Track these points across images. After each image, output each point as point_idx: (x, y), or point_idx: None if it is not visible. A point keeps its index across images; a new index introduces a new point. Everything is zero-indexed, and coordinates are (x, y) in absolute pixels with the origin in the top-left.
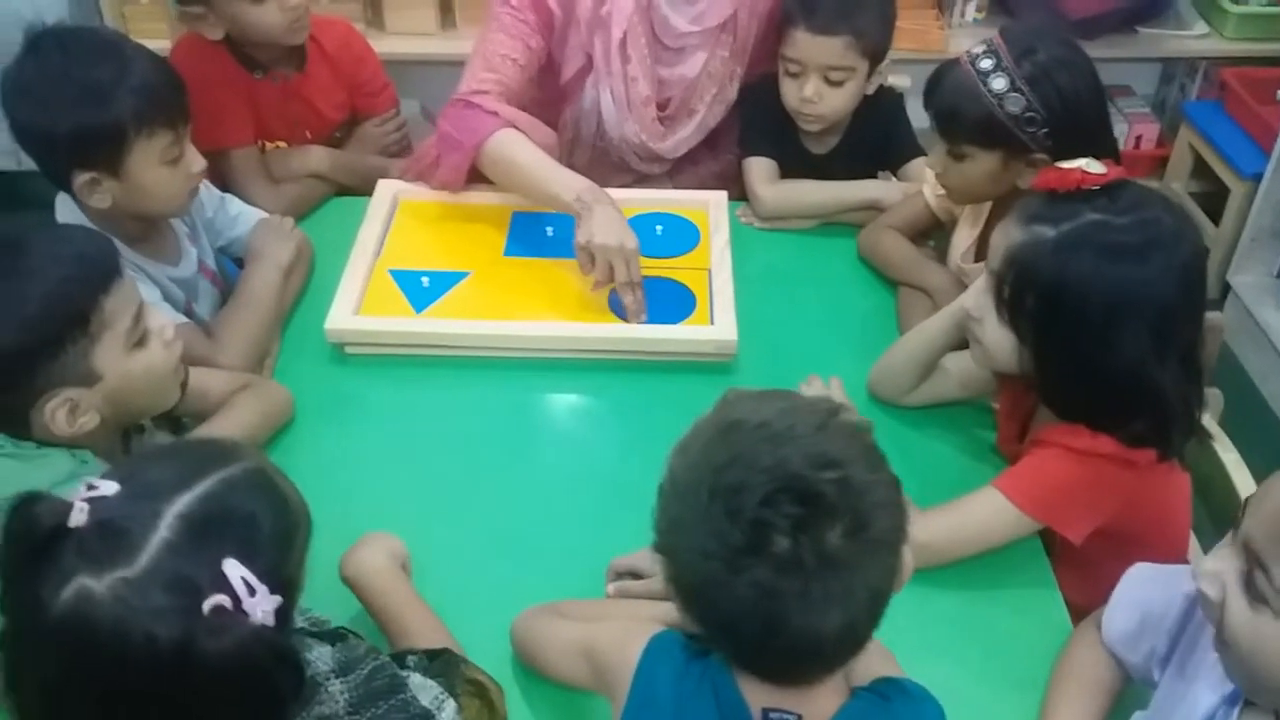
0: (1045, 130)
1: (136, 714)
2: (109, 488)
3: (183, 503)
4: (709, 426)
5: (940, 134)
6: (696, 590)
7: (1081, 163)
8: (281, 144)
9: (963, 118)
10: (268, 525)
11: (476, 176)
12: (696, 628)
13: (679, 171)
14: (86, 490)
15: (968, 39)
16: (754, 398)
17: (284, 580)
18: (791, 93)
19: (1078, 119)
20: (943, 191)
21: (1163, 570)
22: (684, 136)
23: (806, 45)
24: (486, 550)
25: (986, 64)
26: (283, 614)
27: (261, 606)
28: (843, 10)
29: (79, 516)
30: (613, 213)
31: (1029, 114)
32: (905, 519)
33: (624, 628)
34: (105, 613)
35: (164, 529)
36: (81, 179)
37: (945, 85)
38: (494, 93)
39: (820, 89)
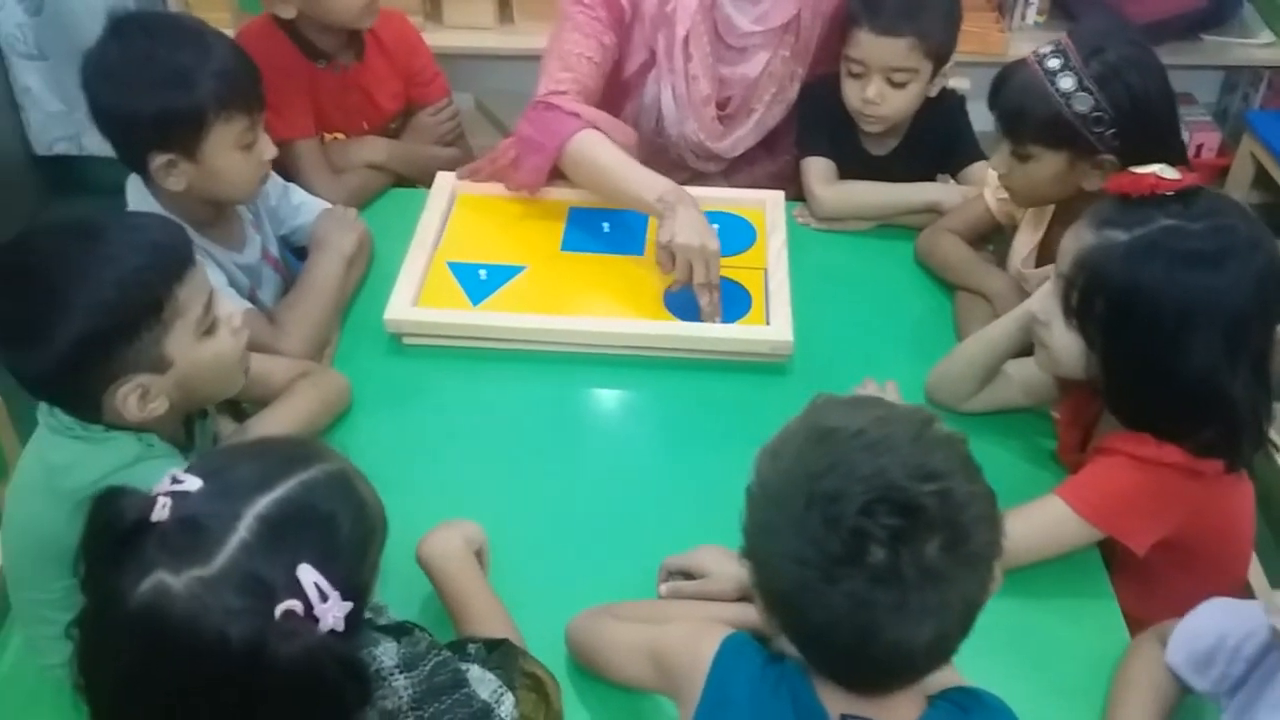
0: (1113, 131)
1: (202, 711)
2: (193, 483)
3: (263, 504)
4: (801, 431)
5: (1005, 134)
6: (788, 597)
7: (1156, 168)
8: (340, 135)
9: (1029, 117)
10: (345, 530)
11: (554, 175)
12: (780, 633)
13: (735, 171)
14: (170, 484)
15: (1028, 42)
16: (847, 405)
17: (357, 586)
18: (854, 94)
19: (1147, 120)
20: (1004, 195)
21: (1240, 603)
22: (741, 136)
23: (870, 46)
24: (538, 543)
25: (1054, 63)
26: (353, 619)
27: (333, 612)
28: (907, 11)
29: (161, 512)
30: (695, 214)
31: (1097, 114)
32: (1001, 533)
33: (694, 629)
34: (180, 609)
35: (243, 529)
36: (159, 161)
37: (1012, 85)
38: (572, 93)
39: (883, 90)
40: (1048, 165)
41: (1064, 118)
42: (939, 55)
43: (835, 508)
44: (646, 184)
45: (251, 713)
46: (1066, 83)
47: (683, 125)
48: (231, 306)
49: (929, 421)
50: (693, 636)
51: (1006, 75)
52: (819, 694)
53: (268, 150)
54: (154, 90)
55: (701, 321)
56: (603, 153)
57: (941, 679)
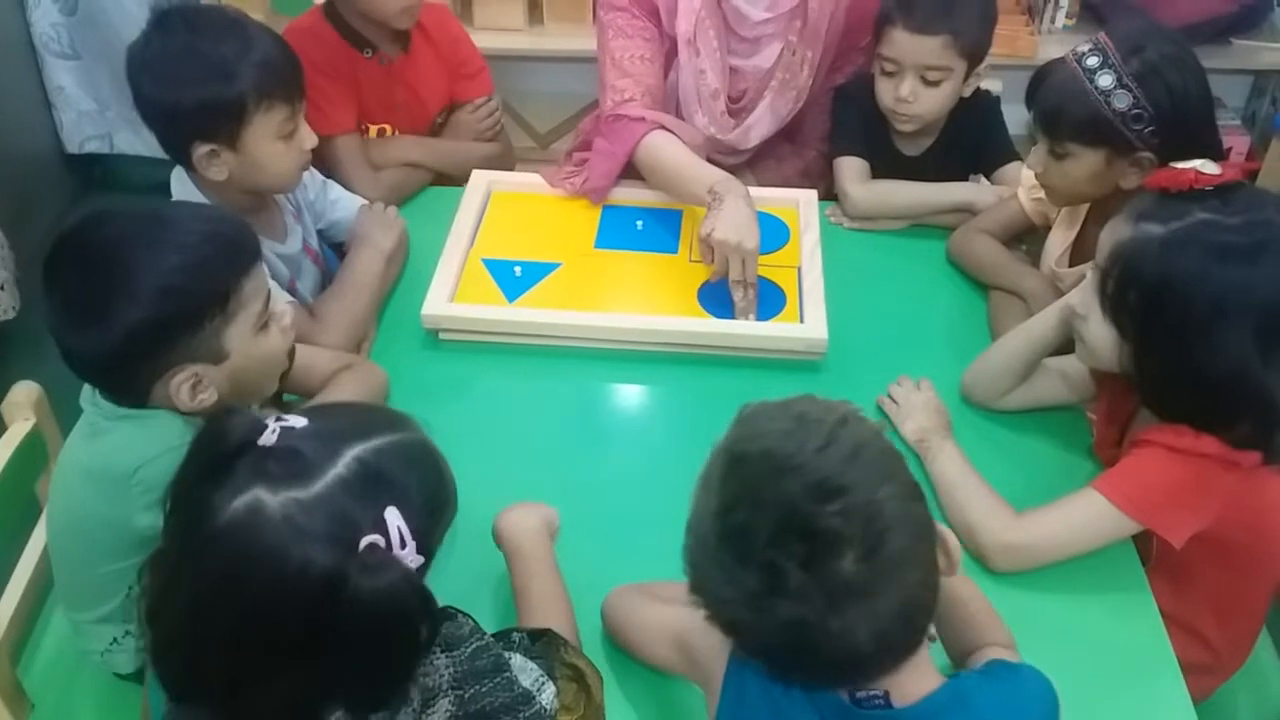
0: (1151, 129)
1: (277, 639)
2: (298, 421)
3: (361, 449)
4: (720, 458)
5: (1043, 132)
6: (729, 628)
7: (1196, 163)
8: (385, 127)
9: (1067, 115)
10: (427, 492)
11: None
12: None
13: (762, 167)
14: (278, 419)
15: (1058, 45)
16: (763, 416)
17: (428, 548)
18: (887, 92)
19: (1186, 117)
20: (1039, 195)
21: None
22: (752, 126)
23: (904, 44)
24: (571, 537)
25: (1093, 61)
26: (421, 575)
27: (409, 559)
28: (942, 9)
29: (270, 437)
30: (742, 207)
31: (1136, 111)
32: (926, 526)
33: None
34: (272, 526)
35: (341, 465)
36: (201, 150)
37: (1050, 83)
38: (635, 96)
39: (916, 89)
40: (1086, 163)
41: (1103, 115)
42: (973, 54)
43: (744, 543)
44: (701, 178)
45: (324, 645)
46: (1105, 80)
47: (693, 119)
48: (283, 304)
49: (842, 421)
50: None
51: (1044, 74)
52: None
53: (308, 140)
54: (195, 82)
55: (735, 319)
56: (667, 153)
57: (984, 654)
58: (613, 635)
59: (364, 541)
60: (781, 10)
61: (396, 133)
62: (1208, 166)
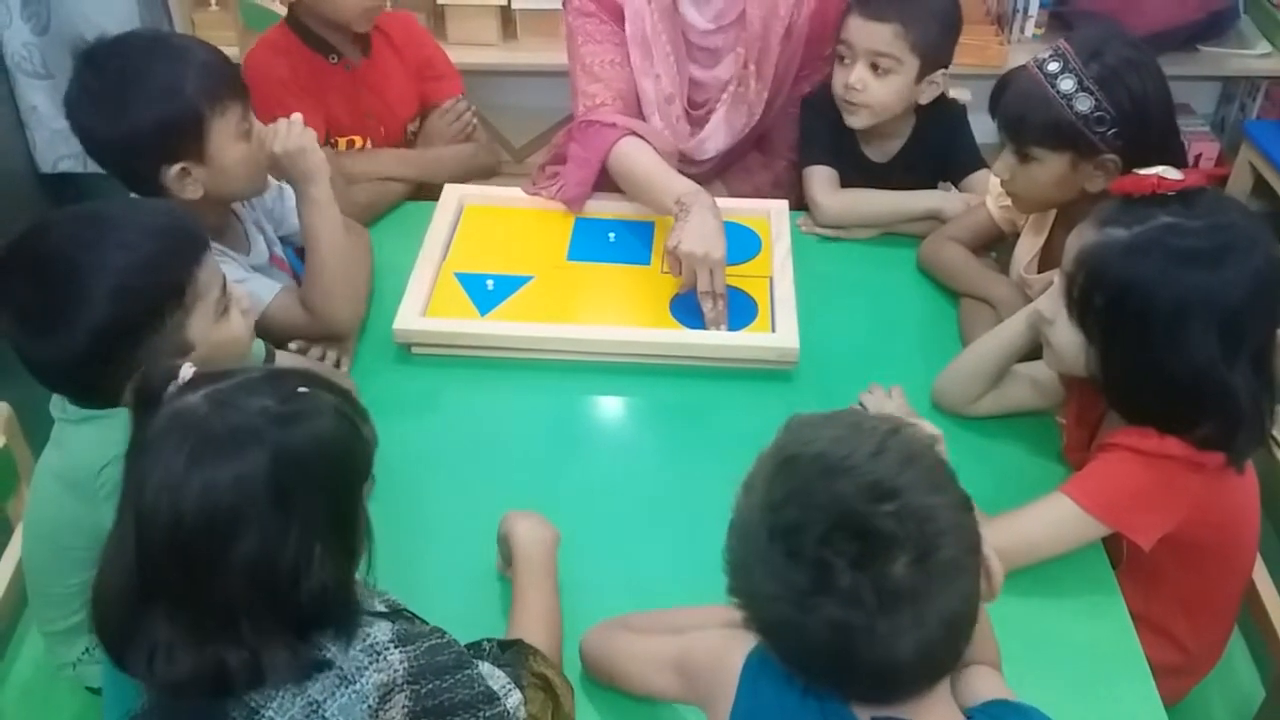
0: (1114, 130)
1: (243, 517)
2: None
3: (269, 368)
4: (769, 461)
5: (1007, 138)
6: (770, 629)
7: (1159, 170)
8: (356, 139)
9: (1031, 120)
10: (345, 392)
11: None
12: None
13: (733, 178)
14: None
15: (1027, 55)
16: (813, 424)
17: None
18: (839, 79)
19: (1148, 119)
20: (1006, 202)
21: None
22: (707, 138)
23: (856, 29)
24: None
25: (1054, 66)
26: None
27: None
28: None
29: (186, 372)
30: (708, 218)
31: (1098, 113)
32: (976, 538)
33: (720, 638)
34: (202, 414)
35: (250, 373)
36: (172, 172)
37: (1013, 89)
38: (607, 101)
39: (865, 77)
40: (1051, 167)
41: (1066, 118)
42: (925, 52)
43: (796, 540)
44: (669, 188)
45: (290, 499)
46: (1067, 84)
47: (650, 121)
48: (239, 289)
49: (894, 431)
50: (721, 646)
51: (1007, 81)
52: (848, 702)
53: (264, 131)
54: (147, 103)
55: (707, 329)
56: (639, 160)
57: (983, 690)
58: (595, 672)
59: (288, 396)
60: (727, 20)
61: (370, 144)
62: (1170, 172)
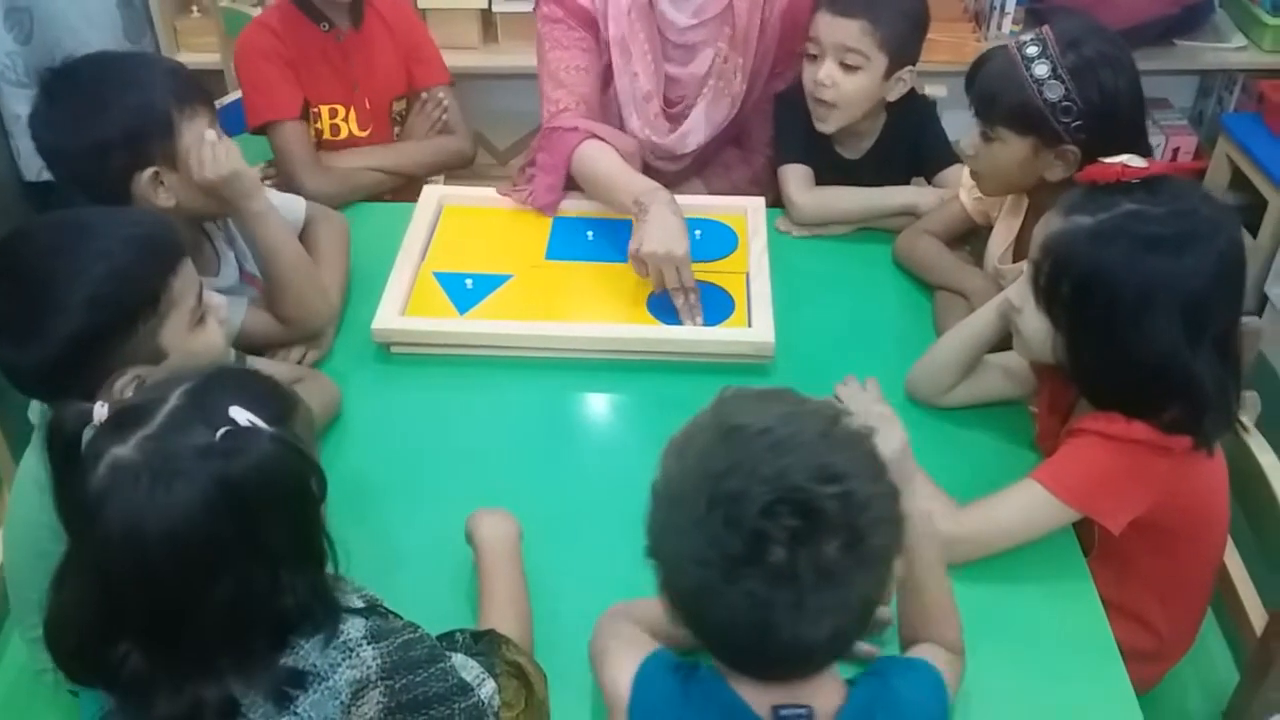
0: (1079, 123)
1: (200, 563)
2: (128, 394)
3: (187, 385)
4: (707, 428)
5: (977, 114)
6: (689, 596)
7: (1124, 158)
8: (339, 108)
9: (1000, 99)
10: (266, 391)
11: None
12: (686, 632)
13: (711, 175)
14: (101, 404)
15: None
16: (754, 399)
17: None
18: (809, 75)
19: (1114, 116)
20: (980, 194)
21: None
22: (689, 132)
23: (825, 25)
24: (528, 544)
25: (1032, 50)
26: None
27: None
28: None
29: (101, 412)
30: (667, 215)
31: (1065, 103)
32: (902, 532)
33: (617, 657)
34: (138, 468)
35: (173, 400)
36: (144, 177)
37: (988, 67)
38: (570, 107)
39: (833, 73)
40: (1013, 150)
41: (1033, 103)
42: (893, 49)
43: (737, 508)
44: (628, 188)
45: (238, 545)
46: (1041, 69)
47: (629, 121)
48: (217, 297)
49: (836, 418)
50: (615, 666)
51: (985, 58)
52: (740, 693)
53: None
54: (115, 112)
55: (680, 324)
56: (599, 163)
57: (919, 650)
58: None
59: (219, 434)
60: (708, 16)
61: (354, 114)
62: (1135, 160)
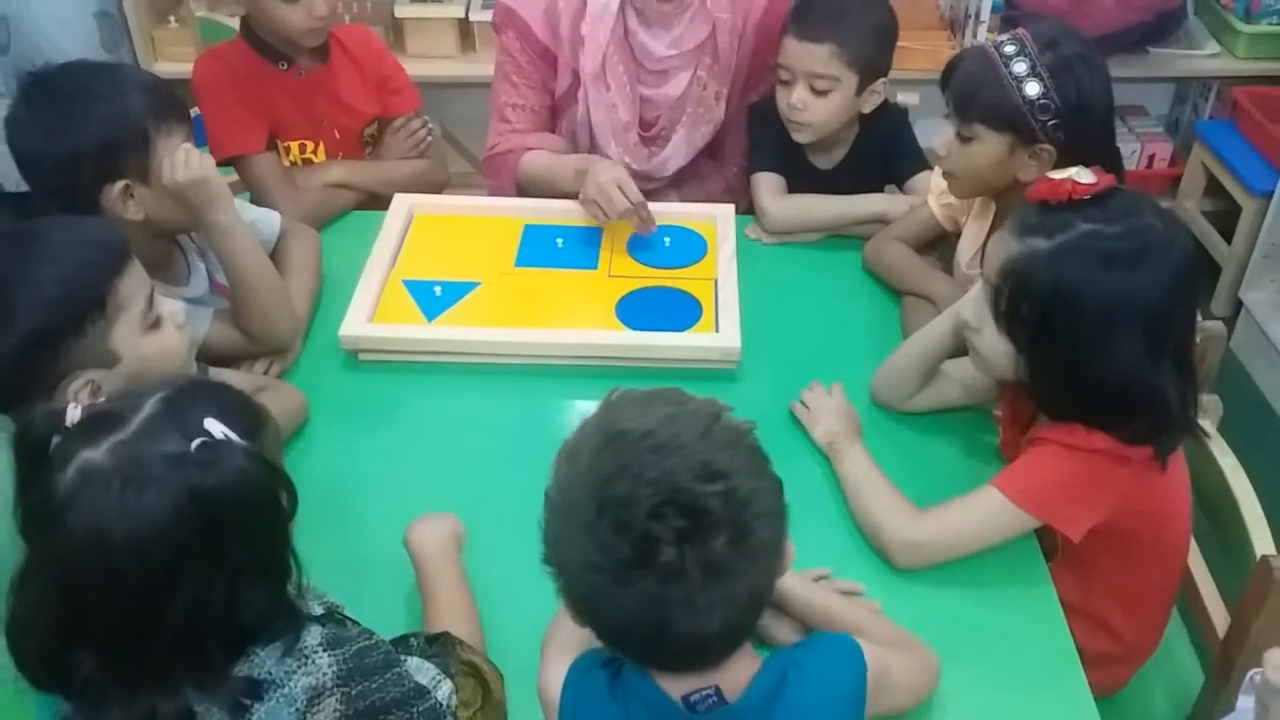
0: (1056, 121)
1: (166, 568)
2: (100, 401)
3: (162, 393)
4: (594, 434)
5: (953, 113)
6: (586, 601)
7: (1071, 172)
8: (308, 143)
9: (979, 96)
10: (238, 404)
11: None
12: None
13: (685, 185)
14: (75, 404)
15: None
16: (638, 402)
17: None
18: (782, 99)
19: (1090, 116)
20: (949, 200)
21: None
22: (668, 157)
23: (793, 51)
24: (494, 553)
25: (1010, 49)
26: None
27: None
28: (828, 19)
29: (74, 414)
30: (606, 165)
31: (1044, 101)
32: (785, 524)
33: (553, 660)
34: (109, 473)
35: (148, 407)
36: (115, 190)
37: (965, 65)
38: (505, 137)
39: (805, 97)
40: (990, 148)
41: (1012, 100)
42: (863, 67)
43: (625, 513)
44: (566, 166)
45: (212, 546)
46: (1020, 67)
47: (606, 149)
48: (176, 304)
49: (717, 415)
50: (548, 666)
51: (960, 58)
52: (661, 685)
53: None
54: (91, 122)
55: (642, 236)
56: (535, 164)
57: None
58: None
59: (195, 444)
60: (686, 48)
61: (323, 147)
62: (1083, 175)
